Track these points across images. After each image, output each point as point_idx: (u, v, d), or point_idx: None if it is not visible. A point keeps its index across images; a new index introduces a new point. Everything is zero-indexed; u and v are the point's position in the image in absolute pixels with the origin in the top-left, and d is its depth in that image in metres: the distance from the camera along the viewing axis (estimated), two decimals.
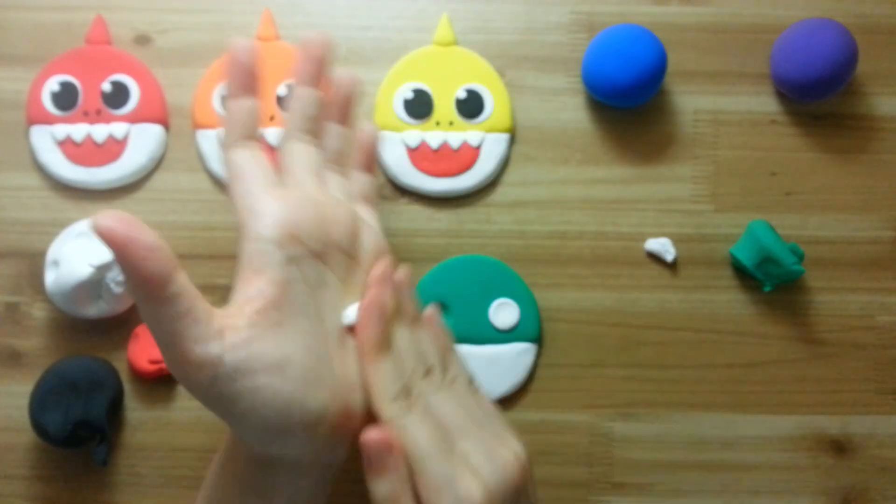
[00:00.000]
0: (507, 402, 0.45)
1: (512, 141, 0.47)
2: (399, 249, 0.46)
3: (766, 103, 0.48)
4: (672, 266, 0.46)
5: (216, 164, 0.46)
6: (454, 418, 0.34)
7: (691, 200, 0.47)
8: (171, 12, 0.48)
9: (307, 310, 0.34)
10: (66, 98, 0.46)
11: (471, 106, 0.46)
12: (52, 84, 0.46)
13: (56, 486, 0.45)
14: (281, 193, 0.35)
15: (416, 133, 0.46)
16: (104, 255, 0.42)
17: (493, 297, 0.45)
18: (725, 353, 0.46)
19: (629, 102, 0.46)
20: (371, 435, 0.32)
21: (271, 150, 0.46)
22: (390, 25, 0.48)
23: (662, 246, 0.46)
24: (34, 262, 0.45)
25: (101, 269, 0.42)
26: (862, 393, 0.46)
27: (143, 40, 0.48)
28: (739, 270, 0.46)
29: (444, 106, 0.47)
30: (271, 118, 0.46)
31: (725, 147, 0.47)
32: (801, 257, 0.44)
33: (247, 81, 0.36)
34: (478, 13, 0.48)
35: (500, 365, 0.45)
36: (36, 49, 0.47)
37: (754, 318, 0.46)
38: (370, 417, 0.34)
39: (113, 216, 0.29)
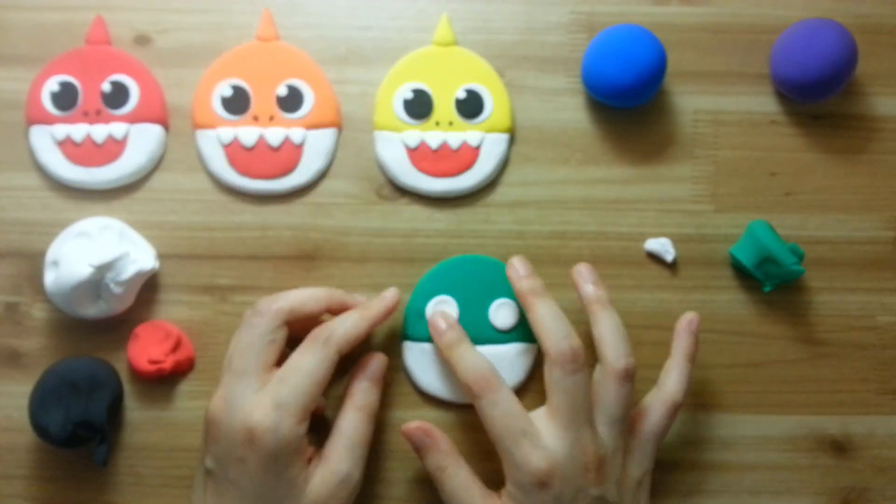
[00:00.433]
0: None
1: (512, 141, 0.47)
2: (399, 249, 0.46)
3: (765, 103, 0.48)
4: (672, 266, 0.46)
5: (216, 165, 0.46)
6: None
7: (691, 200, 0.47)
8: (171, 12, 0.48)
9: None
10: (65, 98, 0.46)
11: (471, 106, 0.46)
12: (52, 84, 0.46)
13: (56, 486, 0.45)
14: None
15: (416, 133, 0.46)
16: (104, 255, 0.42)
17: (493, 297, 0.45)
18: (725, 353, 0.46)
19: (629, 102, 0.46)
20: (410, 426, 0.41)
21: (272, 151, 0.46)
22: (390, 25, 0.48)
23: (662, 246, 0.46)
24: (34, 262, 0.45)
25: (101, 270, 0.42)
26: (862, 393, 0.46)
27: (143, 40, 0.48)
28: (739, 270, 0.46)
29: (444, 106, 0.47)
30: (271, 118, 0.46)
31: (725, 147, 0.47)
32: (801, 257, 0.44)
33: None
34: (478, 13, 0.48)
35: (500, 365, 0.45)
36: (36, 49, 0.47)
37: (754, 318, 0.46)
38: None
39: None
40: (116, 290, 0.43)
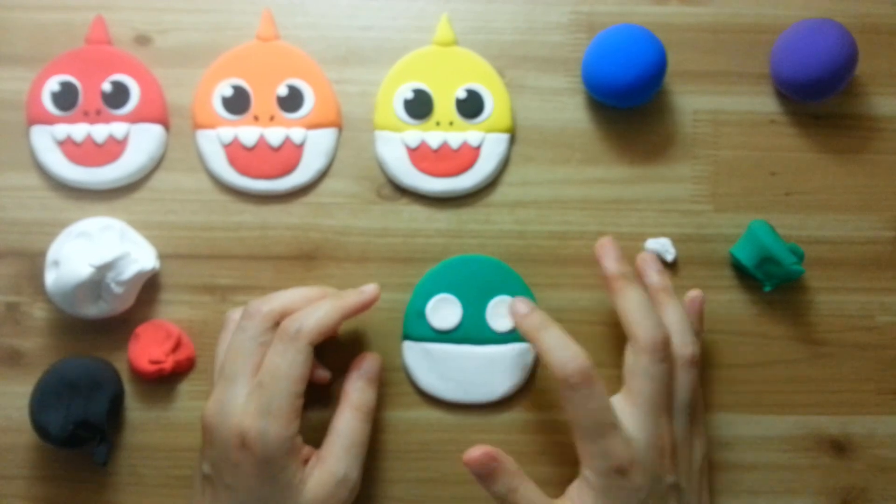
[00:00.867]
0: (507, 402, 0.45)
1: (512, 141, 0.47)
2: (399, 249, 0.46)
3: (765, 103, 0.48)
4: (672, 266, 0.47)
5: (216, 164, 0.46)
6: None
7: (691, 200, 0.47)
8: (171, 12, 0.48)
9: None
10: (66, 98, 0.46)
11: (471, 106, 0.47)
12: (53, 84, 0.46)
13: (56, 486, 0.45)
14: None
15: (416, 133, 0.46)
16: (104, 254, 0.42)
17: (494, 297, 0.45)
18: (725, 353, 0.46)
19: (629, 102, 0.46)
20: (473, 454, 0.38)
21: (272, 151, 0.46)
22: (390, 25, 0.48)
23: (662, 246, 0.46)
24: (34, 262, 0.45)
25: (102, 269, 0.42)
26: (862, 393, 0.46)
27: (143, 40, 0.48)
28: (739, 270, 0.46)
29: (445, 106, 0.47)
30: (271, 118, 0.46)
31: (725, 147, 0.47)
32: (801, 257, 0.44)
33: None
34: (478, 13, 0.48)
35: (500, 365, 0.45)
36: (36, 49, 0.47)
37: (754, 318, 0.46)
38: None
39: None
40: (117, 290, 0.43)
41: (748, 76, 0.48)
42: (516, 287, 0.45)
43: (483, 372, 0.45)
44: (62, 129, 0.46)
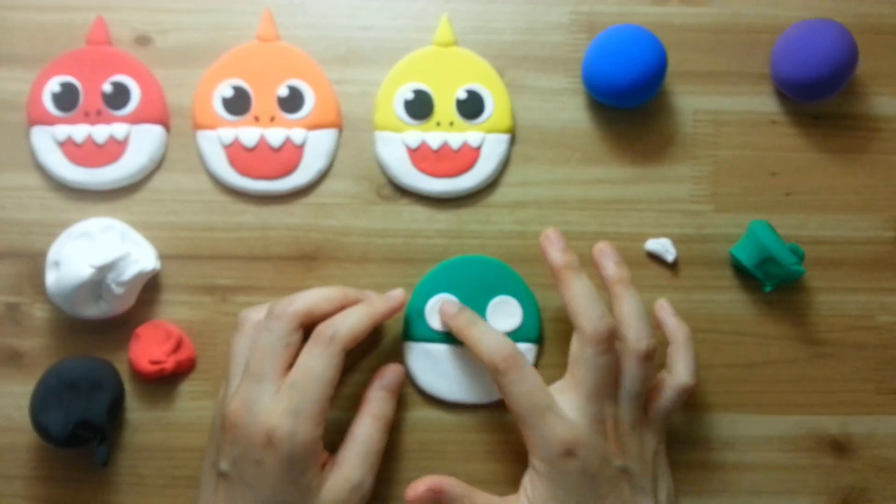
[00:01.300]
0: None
1: (512, 141, 0.47)
2: (399, 250, 0.46)
3: (766, 103, 0.48)
4: (672, 266, 0.47)
5: (216, 165, 0.46)
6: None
7: (691, 200, 0.47)
8: (171, 12, 0.48)
9: None
10: (66, 99, 0.46)
11: (471, 106, 0.47)
12: (53, 84, 0.46)
13: (56, 486, 0.45)
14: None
15: (417, 133, 0.46)
16: (105, 255, 0.42)
17: (494, 297, 0.45)
18: (725, 353, 0.46)
19: (629, 102, 0.46)
20: (415, 491, 0.41)
21: (272, 151, 0.46)
22: (390, 25, 0.48)
23: (662, 246, 0.46)
24: (35, 262, 0.45)
25: (102, 270, 0.42)
26: (862, 393, 0.46)
27: (143, 40, 0.48)
28: (739, 270, 0.46)
29: (445, 106, 0.47)
30: (272, 118, 0.46)
31: (725, 147, 0.47)
32: (801, 257, 0.44)
33: None
34: (478, 13, 0.48)
35: None
36: (36, 49, 0.47)
37: (754, 318, 0.46)
38: None
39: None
40: (118, 290, 0.43)
41: (748, 76, 0.48)
42: (516, 287, 0.45)
43: (483, 372, 0.45)
44: (63, 130, 0.46)
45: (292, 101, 0.46)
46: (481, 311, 0.45)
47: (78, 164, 0.46)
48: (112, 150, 0.46)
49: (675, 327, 0.43)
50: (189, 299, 0.46)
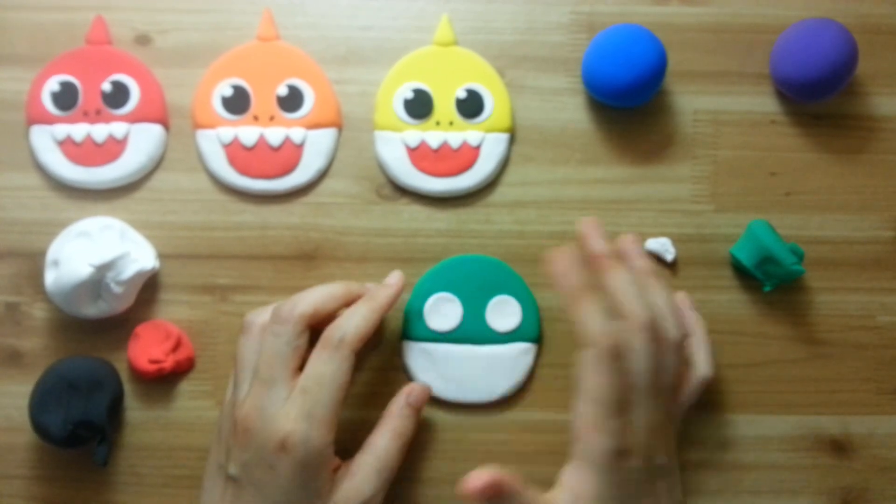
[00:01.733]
0: (507, 402, 0.45)
1: (512, 141, 0.47)
2: (399, 249, 0.46)
3: (766, 103, 0.48)
4: (672, 266, 0.47)
5: (216, 164, 0.46)
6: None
7: (691, 200, 0.47)
8: (171, 12, 0.48)
9: None
10: (66, 98, 0.46)
11: (471, 106, 0.47)
12: (52, 84, 0.46)
13: (56, 486, 0.45)
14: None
15: (416, 133, 0.46)
16: (104, 254, 0.42)
17: (493, 297, 0.45)
18: (725, 353, 0.46)
19: (629, 102, 0.46)
20: (474, 483, 0.36)
21: (272, 151, 0.46)
22: (390, 25, 0.48)
23: (662, 246, 0.46)
24: (34, 262, 0.45)
25: (101, 269, 0.42)
26: (862, 393, 0.46)
27: (143, 40, 0.48)
28: (739, 270, 0.46)
29: (445, 106, 0.47)
30: (271, 118, 0.46)
31: (725, 147, 0.47)
32: (801, 257, 0.44)
33: None
34: (478, 13, 0.48)
35: (500, 365, 0.45)
36: (36, 49, 0.47)
37: (754, 318, 0.46)
38: None
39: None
40: (117, 289, 0.43)
41: (748, 76, 0.48)
42: (516, 287, 0.45)
43: (483, 372, 0.45)
44: (62, 129, 0.46)
45: (292, 101, 0.46)
46: (481, 310, 0.45)
47: (77, 163, 0.46)
48: (111, 150, 0.46)
49: (694, 321, 0.44)
50: (188, 299, 0.46)
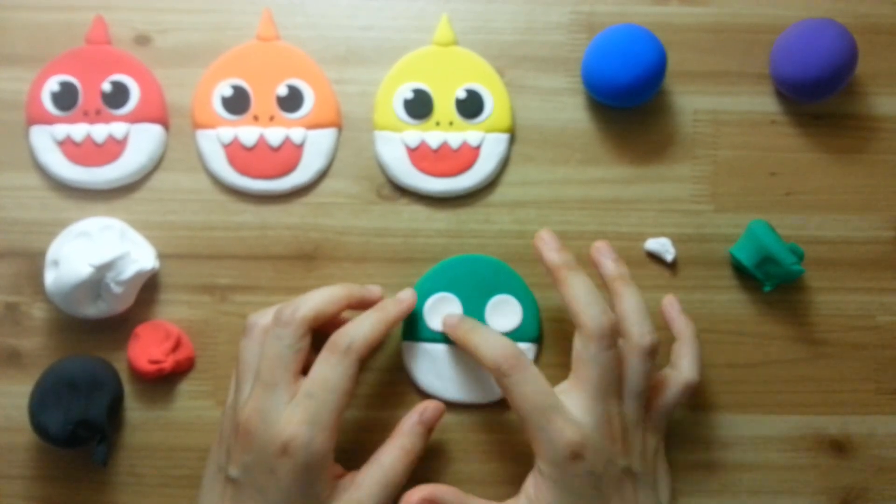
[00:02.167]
0: (506, 402, 0.45)
1: (512, 141, 0.47)
2: (399, 249, 0.46)
3: (766, 103, 0.48)
4: (672, 266, 0.47)
5: (216, 164, 0.46)
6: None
7: (691, 200, 0.47)
8: (171, 12, 0.48)
9: None
10: (65, 98, 0.46)
11: (471, 106, 0.47)
12: (52, 84, 0.46)
13: (56, 486, 0.45)
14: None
15: (416, 133, 0.46)
16: (104, 254, 0.42)
17: (493, 296, 0.45)
18: (725, 353, 0.46)
19: (629, 102, 0.46)
20: (408, 502, 0.40)
21: (272, 151, 0.46)
22: (390, 25, 0.48)
23: (662, 246, 0.46)
24: (34, 262, 0.45)
25: (101, 269, 0.42)
26: (862, 393, 0.46)
27: (143, 40, 0.48)
28: (739, 270, 0.46)
29: (444, 106, 0.47)
30: (271, 118, 0.46)
31: (725, 147, 0.47)
32: (801, 257, 0.44)
33: None
34: (478, 13, 0.48)
35: None
36: (36, 49, 0.47)
37: (754, 318, 0.46)
38: None
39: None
40: (117, 289, 0.43)
41: (748, 76, 0.48)
42: (516, 286, 0.45)
43: (483, 372, 0.45)
44: (62, 129, 0.46)
45: (292, 101, 0.46)
46: (481, 310, 0.45)
47: (77, 163, 0.46)
48: (111, 150, 0.46)
49: (683, 324, 0.44)
50: (188, 299, 0.46)
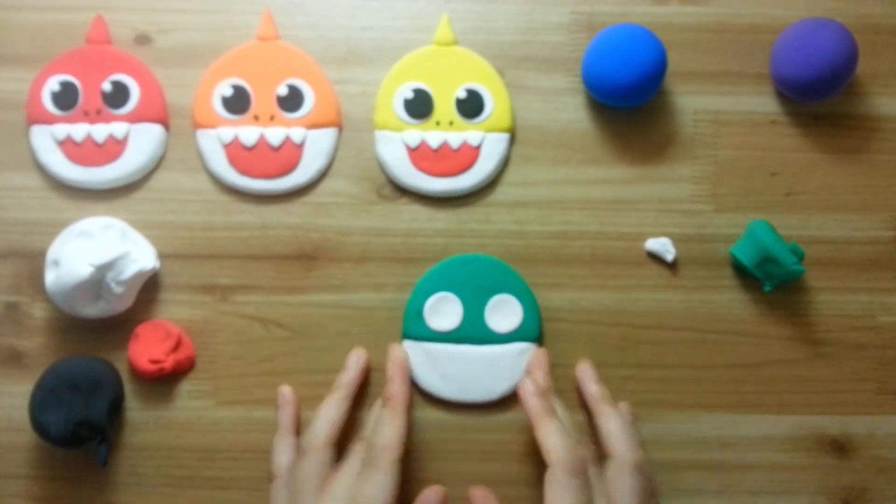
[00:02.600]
0: (507, 402, 0.45)
1: (512, 141, 0.47)
2: (399, 249, 0.46)
3: (766, 103, 0.48)
4: (672, 266, 0.47)
5: (216, 164, 0.46)
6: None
7: (691, 200, 0.47)
8: (171, 12, 0.48)
9: None
10: (66, 98, 0.46)
11: (471, 106, 0.47)
12: (53, 84, 0.46)
13: (56, 486, 0.45)
14: None
15: (417, 133, 0.46)
16: (104, 254, 0.42)
17: (493, 296, 0.45)
18: (725, 353, 0.46)
19: (629, 102, 0.46)
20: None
21: (272, 151, 0.46)
22: (390, 25, 0.48)
23: (662, 246, 0.46)
24: (34, 262, 0.45)
25: (101, 269, 0.42)
26: (862, 393, 0.46)
27: (143, 40, 0.48)
28: (739, 270, 0.46)
29: (445, 106, 0.47)
30: (271, 118, 0.46)
31: (725, 147, 0.47)
32: (801, 257, 0.44)
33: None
34: (478, 13, 0.48)
35: (500, 365, 0.45)
36: (36, 49, 0.47)
37: (754, 318, 0.46)
38: None
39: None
40: (117, 289, 0.43)
41: (748, 76, 0.48)
42: (516, 286, 0.45)
43: (483, 372, 0.45)
44: (62, 129, 0.46)
45: (292, 101, 0.46)
46: (481, 310, 0.45)
47: (77, 163, 0.46)
48: (111, 150, 0.46)
49: (595, 393, 0.44)
50: (188, 298, 0.46)
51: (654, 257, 0.47)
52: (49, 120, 0.46)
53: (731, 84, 0.48)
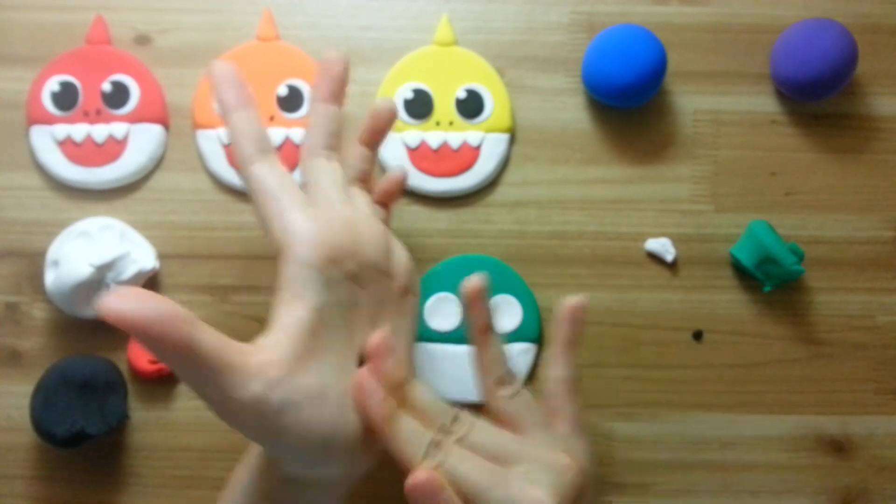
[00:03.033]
0: None
1: (512, 141, 0.47)
2: None
3: (766, 103, 0.48)
4: (672, 266, 0.47)
5: (216, 164, 0.46)
6: (496, 447, 0.34)
7: (691, 200, 0.47)
8: (171, 12, 0.48)
9: (340, 332, 0.34)
10: (66, 98, 0.46)
11: (471, 106, 0.47)
12: (53, 84, 0.46)
13: (56, 486, 0.45)
14: (314, 213, 0.34)
15: (416, 133, 0.46)
16: (104, 254, 0.42)
17: (494, 296, 0.45)
18: (725, 353, 0.46)
19: (629, 102, 0.46)
20: (416, 479, 0.32)
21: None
22: (390, 25, 0.48)
23: (662, 246, 0.46)
24: (34, 262, 0.45)
25: (101, 269, 0.42)
26: (862, 393, 0.46)
27: (143, 40, 0.48)
28: (739, 270, 0.46)
29: (444, 106, 0.47)
30: (271, 118, 0.46)
31: (725, 147, 0.47)
32: (801, 257, 0.44)
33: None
34: (478, 13, 0.48)
35: None
36: (36, 49, 0.47)
37: (754, 318, 0.46)
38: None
39: (119, 297, 0.27)
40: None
41: (748, 76, 0.48)
42: (516, 286, 0.45)
43: None
44: (62, 129, 0.46)
45: (292, 101, 0.46)
46: None
47: (77, 163, 0.46)
48: (111, 150, 0.46)
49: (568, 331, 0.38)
50: (189, 299, 0.46)
51: (654, 257, 0.47)
52: (49, 120, 0.46)
53: (730, 84, 0.48)
